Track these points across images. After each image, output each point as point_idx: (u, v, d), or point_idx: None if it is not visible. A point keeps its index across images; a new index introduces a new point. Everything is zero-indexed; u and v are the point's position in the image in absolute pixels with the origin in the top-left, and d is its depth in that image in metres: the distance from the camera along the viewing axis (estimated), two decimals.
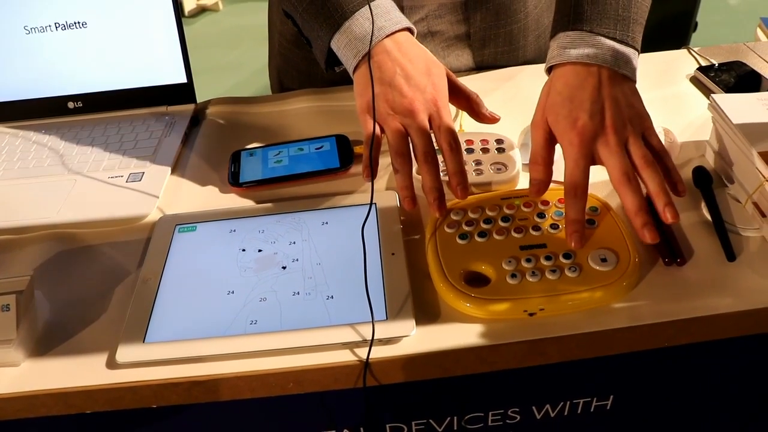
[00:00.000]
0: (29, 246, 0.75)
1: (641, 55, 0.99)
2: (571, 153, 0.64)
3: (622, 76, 0.67)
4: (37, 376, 0.60)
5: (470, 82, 0.96)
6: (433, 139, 0.70)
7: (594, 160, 0.65)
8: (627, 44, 0.68)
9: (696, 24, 2.61)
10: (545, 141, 0.68)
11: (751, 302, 0.61)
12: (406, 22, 0.75)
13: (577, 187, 0.63)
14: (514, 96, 0.93)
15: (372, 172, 0.68)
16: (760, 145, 0.67)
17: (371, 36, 0.72)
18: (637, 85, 0.69)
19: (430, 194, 0.68)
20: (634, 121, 0.65)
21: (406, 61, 0.72)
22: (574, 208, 0.63)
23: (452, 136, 0.69)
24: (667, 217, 0.61)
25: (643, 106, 0.67)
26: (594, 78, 0.66)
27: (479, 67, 1.01)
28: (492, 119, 0.77)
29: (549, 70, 0.70)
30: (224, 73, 3.37)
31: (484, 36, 0.97)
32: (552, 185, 0.75)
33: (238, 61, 3.53)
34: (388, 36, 0.73)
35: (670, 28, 2.54)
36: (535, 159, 0.68)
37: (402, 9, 0.94)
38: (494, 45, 0.98)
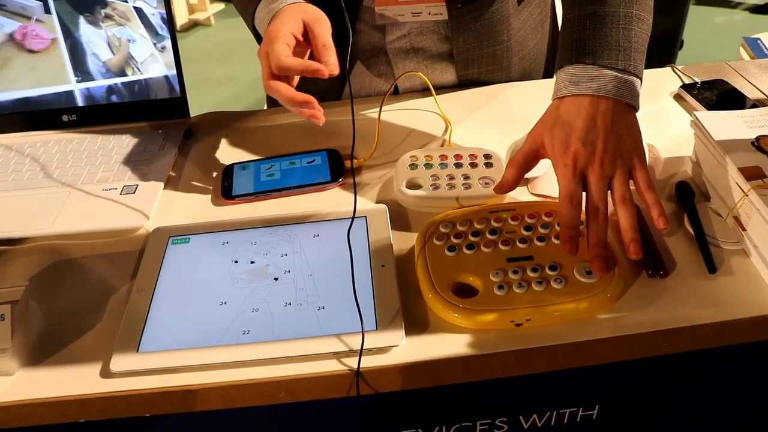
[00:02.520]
0: (24, 257, 0.76)
1: None
2: (566, 173, 0.67)
3: (624, 105, 0.70)
4: (31, 386, 0.61)
5: (458, 98, 0.99)
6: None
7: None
8: (629, 73, 0.71)
9: (682, 42, 2.66)
10: (532, 152, 0.72)
11: (731, 313, 0.62)
12: (290, 0, 0.82)
13: (574, 196, 0.66)
14: (502, 112, 0.95)
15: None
16: (740, 161, 0.69)
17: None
18: None
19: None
20: (625, 156, 0.68)
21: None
22: (571, 215, 0.66)
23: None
24: (630, 252, 0.65)
25: (639, 140, 0.70)
26: (593, 108, 0.69)
27: (462, 84, 1.03)
28: (328, 70, 0.75)
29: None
30: (216, 87, 3.39)
31: (467, 56, 0.99)
32: (539, 199, 0.77)
33: (229, 76, 3.55)
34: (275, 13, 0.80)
35: (657, 46, 2.57)
36: (514, 162, 0.72)
37: (384, 27, 0.96)
38: (478, 65, 1.00)
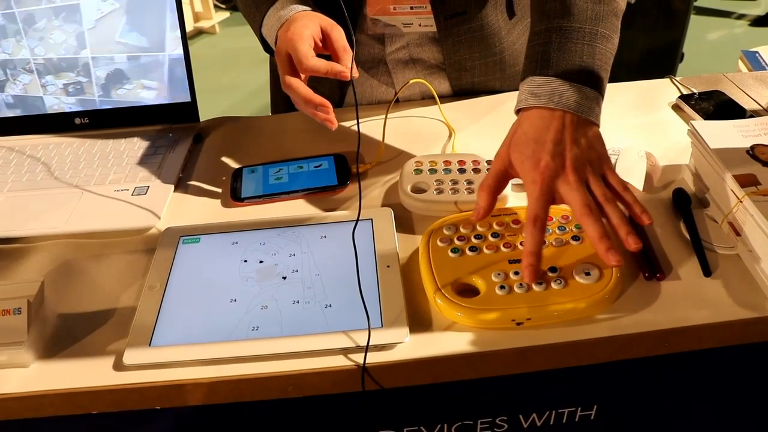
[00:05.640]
0: (39, 254, 0.78)
1: (627, 83, 1.04)
2: (533, 190, 0.67)
3: (585, 120, 0.69)
4: (46, 377, 0.63)
5: (460, 106, 1.02)
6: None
7: (555, 199, 0.67)
8: (591, 89, 0.70)
9: (682, 55, 2.69)
10: (501, 173, 0.71)
11: (725, 315, 0.64)
12: (299, 8, 0.86)
13: (537, 219, 0.65)
14: (505, 120, 0.95)
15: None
16: (735, 169, 0.71)
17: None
18: (623, 112, 0.72)
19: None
20: (594, 163, 0.68)
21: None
22: (533, 239, 0.65)
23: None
24: (630, 244, 0.64)
25: (604, 150, 0.70)
26: (558, 121, 0.68)
27: (457, 92, 1.05)
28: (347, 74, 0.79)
29: (518, 112, 0.73)
30: (222, 94, 3.42)
31: (459, 66, 1.02)
32: None
33: (234, 83, 3.58)
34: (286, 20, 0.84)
35: (658, 59, 2.61)
36: (485, 186, 0.71)
37: (383, 38, 0.99)
38: (471, 75, 1.03)
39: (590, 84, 0.71)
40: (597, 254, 0.67)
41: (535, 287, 0.65)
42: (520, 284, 0.66)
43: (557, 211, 0.74)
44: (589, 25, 0.73)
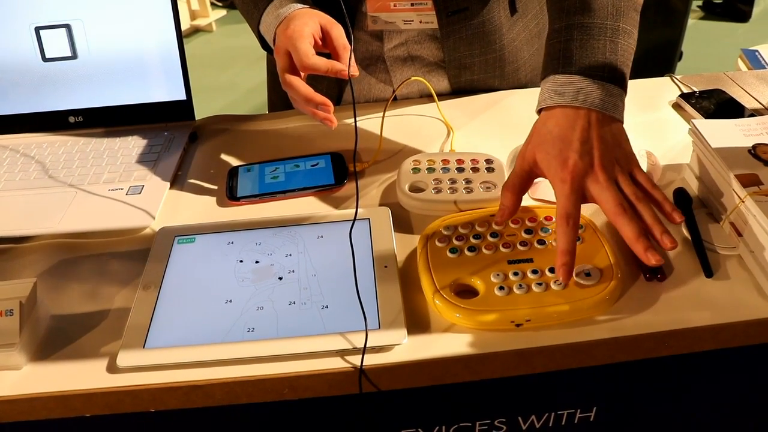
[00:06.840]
0: (32, 254, 0.77)
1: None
2: (563, 189, 0.66)
3: (610, 117, 0.69)
4: (38, 380, 0.62)
5: (459, 105, 1.01)
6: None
7: (584, 198, 0.67)
8: (615, 85, 0.70)
9: (681, 53, 2.68)
10: (525, 173, 0.71)
11: (727, 316, 0.63)
12: (298, 6, 0.84)
13: (570, 217, 0.65)
14: (502, 119, 0.97)
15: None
16: (737, 168, 0.70)
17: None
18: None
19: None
20: (622, 160, 0.68)
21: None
22: (566, 237, 0.65)
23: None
24: (666, 243, 0.64)
25: (630, 147, 0.70)
26: (583, 120, 0.68)
27: (456, 91, 1.04)
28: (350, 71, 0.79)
29: (539, 111, 0.73)
30: (218, 93, 3.41)
31: (459, 64, 1.01)
32: (539, 204, 0.78)
33: (231, 81, 3.58)
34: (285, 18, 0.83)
35: (657, 57, 2.61)
36: (509, 186, 0.71)
37: (381, 35, 0.98)
38: (470, 72, 1.02)
39: (614, 81, 0.70)
40: (599, 256, 0.67)
41: (534, 288, 0.65)
42: (520, 285, 0.65)
43: (544, 210, 0.74)
44: (610, 20, 0.72)
